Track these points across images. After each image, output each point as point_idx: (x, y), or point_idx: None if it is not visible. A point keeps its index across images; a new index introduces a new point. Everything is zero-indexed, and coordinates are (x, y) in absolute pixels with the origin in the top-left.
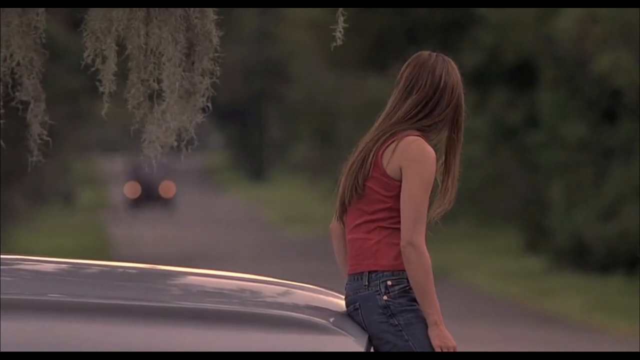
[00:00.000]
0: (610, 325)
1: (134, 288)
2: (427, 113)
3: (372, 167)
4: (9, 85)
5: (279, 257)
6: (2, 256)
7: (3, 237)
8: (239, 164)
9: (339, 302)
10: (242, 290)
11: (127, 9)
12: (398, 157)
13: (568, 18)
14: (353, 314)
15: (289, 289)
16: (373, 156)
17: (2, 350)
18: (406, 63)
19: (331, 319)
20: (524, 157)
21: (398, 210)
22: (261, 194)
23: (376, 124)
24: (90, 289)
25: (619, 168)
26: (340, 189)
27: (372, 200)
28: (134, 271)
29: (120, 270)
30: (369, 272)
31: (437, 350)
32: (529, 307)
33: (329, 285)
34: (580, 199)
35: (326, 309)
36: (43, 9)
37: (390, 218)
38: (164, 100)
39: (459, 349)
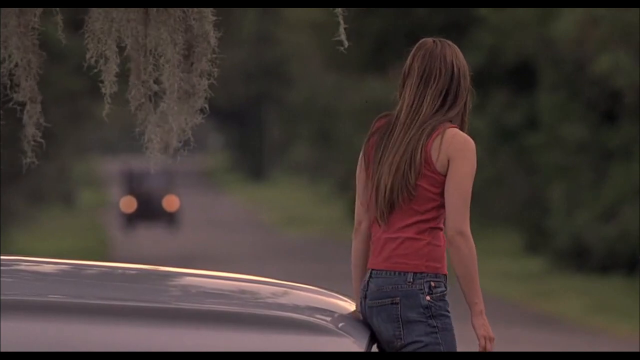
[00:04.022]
0: (610, 326)
1: (133, 289)
2: (451, 104)
3: (422, 164)
4: (8, 87)
5: (279, 258)
6: (2, 257)
7: (3, 238)
8: (239, 165)
9: (339, 303)
10: (242, 291)
11: (126, 10)
12: (445, 151)
13: (568, 20)
14: (383, 308)
15: (289, 289)
16: (422, 153)
17: (2, 350)
18: (412, 54)
19: (331, 320)
20: (523, 159)
21: (443, 207)
22: (261, 195)
23: (401, 120)
24: (90, 290)
25: (619, 169)
26: (387, 190)
27: (424, 199)
28: (133, 272)
29: (120, 271)
30: (415, 273)
31: (481, 339)
32: (529, 308)
33: (328, 285)
34: (580, 200)
35: (326, 310)
36: (41, 10)
37: (438, 217)
38: (163, 102)
39: (459, 349)
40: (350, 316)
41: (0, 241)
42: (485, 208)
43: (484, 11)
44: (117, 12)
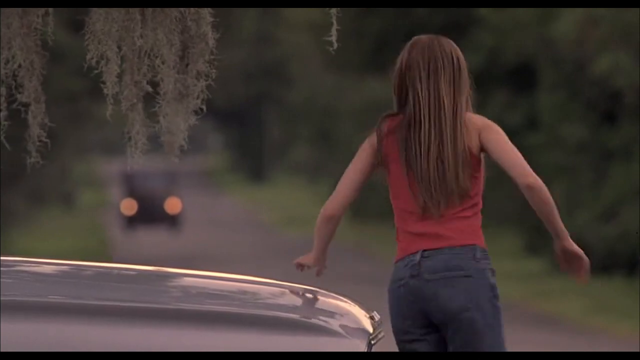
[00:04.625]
0: (610, 327)
1: (133, 290)
2: (461, 91)
3: (467, 153)
4: (12, 87)
5: (279, 259)
6: (2, 258)
7: (3, 238)
8: (239, 165)
9: (339, 303)
10: (242, 291)
11: (123, 10)
12: (473, 133)
13: (568, 20)
14: (454, 280)
15: (288, 290)
16: (463, 143)
17: (2, 351)
18: (407, 50)
19: (331, 320)
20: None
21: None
22: (261, 196)
23: (424, 114)
24: (90, 291)
25: (619, 169)
26: (439, 182)
27: (472, 184)
28: (133, 273)
29: (119, 272)
30: (481, 248)
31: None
32: (529, 309)
33: (328, 286)
34: (580, 201)
35: (326, 310)
36: (44, 10)
37: (480, 199)
38: (158, 102)
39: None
40: (350, 316)
41: (0, 241)
42: (485, 208)
43: (483, 11)
44: (117, 13)
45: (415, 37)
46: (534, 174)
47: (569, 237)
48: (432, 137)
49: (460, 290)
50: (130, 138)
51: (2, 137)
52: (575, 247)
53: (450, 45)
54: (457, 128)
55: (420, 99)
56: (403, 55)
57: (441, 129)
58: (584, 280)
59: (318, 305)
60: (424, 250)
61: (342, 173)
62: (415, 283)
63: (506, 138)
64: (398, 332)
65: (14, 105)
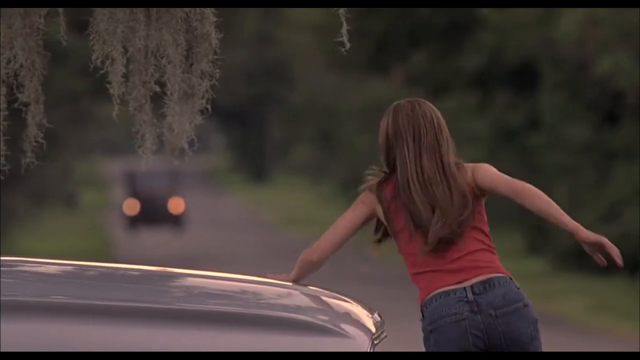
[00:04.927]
0: (612, 327)
1: (135, 290)
2: (448, 149)
3: (472, 196)
4: (14, 87)
5: (281, 259)
6: (4, 258)
7: (5, 239)
8: (241, 165)
9: (341, 303)
10: (244, 291)
11: (128, 10)
12: (470, 177)
13: (569, 20)
14: (518, 313)
15: (291, 290)
16: (465, 187)
17: (2, 351)
18: (392, 116)
19: (333, 320)
20: (525, 159)
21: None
22: (262, 196)
23: (419, 178)
24: (92, 291)
25: (621, 170)
26: (453, 226)
27: (482, 221)
28: (136, 273)
29: (122, 272)
30: (510, 278)
31: (605, 241)
32: None
33: (330, 286)
34: (582, 201)
35: (328, 310)
36: (46, 10)
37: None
38: (164, 102)
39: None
40: (353, 316)
41: (1, 242)
42: (486, 209)
43: (485, 11)
44: (122, 13)
45: (396, 103)
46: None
47: (584, 228)
48: (436, 194)
49: (529, 321)
50: (138, 138)
51: (1, 137)
52: (594, 236)
53: (429, 108)
54: (458, 180)
55: (410, 165)
56: (387, 120)
57: (442, 186)
58: (618, 261)
59: (321, 305)
60: (471, 286)
61: (344, 173)
62: (476, 321)
63: (496, 170)
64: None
65: (15, 105)
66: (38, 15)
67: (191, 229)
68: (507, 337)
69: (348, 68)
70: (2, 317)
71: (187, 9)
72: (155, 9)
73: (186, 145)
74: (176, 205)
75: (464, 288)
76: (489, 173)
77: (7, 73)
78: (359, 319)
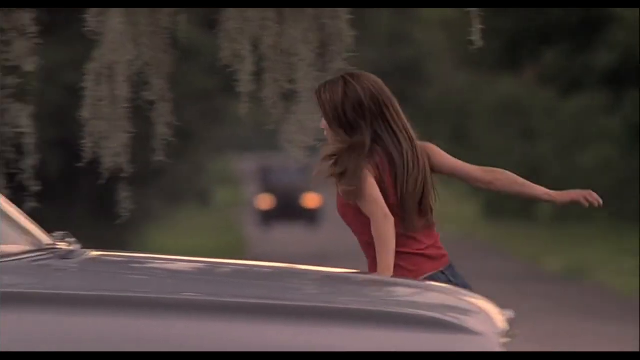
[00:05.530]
0: None
1: (267, 287)
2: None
3: None
4: (139, 85)
5: None
6: (138, 255)
7: (139, 237)
8: None
9: (473, 301)
10: (374, 289)
11: (260, 9)
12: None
13: None
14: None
15: (423, 288)
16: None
17: (143, 349)
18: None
19: (464, 318)
20: None
21: None
22: None
23: (407, 131)
24: (225, 288)
25: None
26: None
27: None
28: (268, 270)
29: (255, 269)
30: None
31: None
32: None
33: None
34: None
35: (458, 308)
36: (172, 9)
37: None
38: (298, 100)
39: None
40: (483, 314)
41: (136, 239)
42: (619, 207)
43: (619, 9)
44: (251, 12)
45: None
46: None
47: (552, 191)
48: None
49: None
50: (277, 135)
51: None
52: (567, 195)
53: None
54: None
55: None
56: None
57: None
58: (597, 202)
59: (452, 303)
60: (449, 263)
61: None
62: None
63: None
64: None
65: (140, 103)
66: (164, 13)
67: (325, 225)
68: None
69: (480, 66)
70: (133, 313)
71: (319, 8)
72: (287, 8)
73: (316, 142)
74: (311, 200)
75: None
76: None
77: (133, 71)
78: (490, 317)
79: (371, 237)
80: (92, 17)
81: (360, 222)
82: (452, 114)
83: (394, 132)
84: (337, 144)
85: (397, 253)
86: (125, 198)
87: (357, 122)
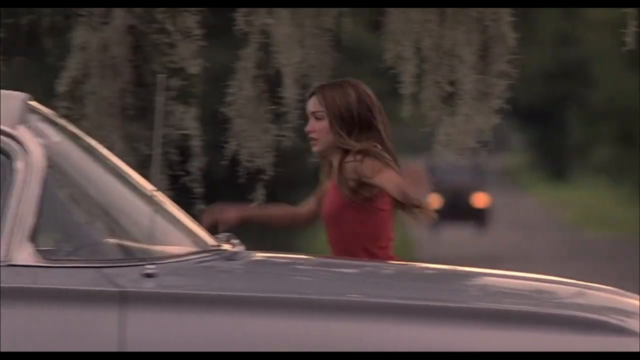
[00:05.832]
0: None
1: (429, 289)
2: None
3: None
4: (303, 87)
5: (577, 259)
6: (300, 256)
7: (303, 237)
8: (540, 165)
9: (635, 302)
10: (539, 290)
11: (423, 10)
12: None
13: None
14: None
15: (585, 290)
16: None
17: (302, 349)
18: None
19: (630, 320)
20: None
21: None
22: (562, 196)
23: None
24: (389, 290)
25: None
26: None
27: None
28: (430, 272)
29: (418, 271)
30: None
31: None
32: None
33: (626, 287)
34: None
35: (623, 310)
36: (336, 10)
37: None
38: (458, 102)
39: None
40: None
41: (301, 241)
42: None
43: None
44: (415, 13)
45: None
46: None
47: None
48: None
49: None
50: (437, 137)
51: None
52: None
53: None
54: None
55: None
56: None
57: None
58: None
59: (614, 304)
60: None
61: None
62: None
63: None
64: None
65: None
66: (328, 15)
67: (493, 227)
68: None
69: None
70: (298, 315)
71: (480, 9)
72: (449, 9)
73: (478, 144)
74: (480, 200)
75: None
76: None
77: (297, 72)
78: None
79: (365, 232)
80: (258, 18)
81: (359, 220)
82: (620, 116)
83: (388, 139)
84: (345, 144)
85: (378, 248)
86: (288, 199)
87: (370, 122)
